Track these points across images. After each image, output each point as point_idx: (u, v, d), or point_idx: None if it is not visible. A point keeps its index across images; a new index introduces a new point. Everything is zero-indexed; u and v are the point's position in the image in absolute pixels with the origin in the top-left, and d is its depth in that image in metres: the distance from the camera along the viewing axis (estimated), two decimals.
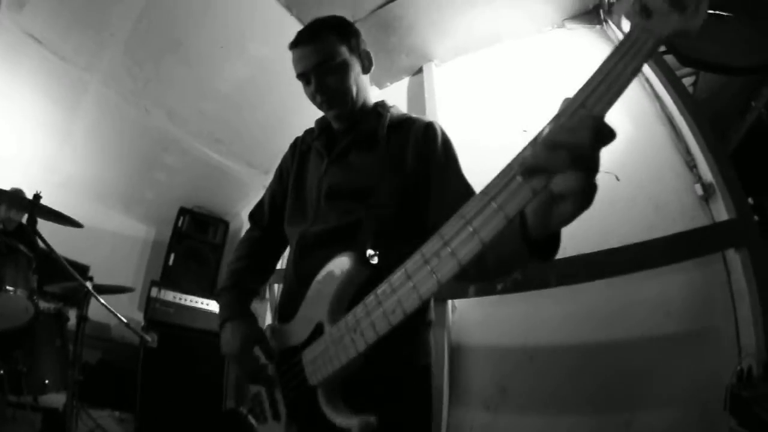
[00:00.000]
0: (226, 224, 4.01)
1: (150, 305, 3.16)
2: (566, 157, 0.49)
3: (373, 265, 0.93)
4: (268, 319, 3.19)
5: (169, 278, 3.47)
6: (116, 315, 2.33)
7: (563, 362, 2.04)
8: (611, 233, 2.11)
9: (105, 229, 3.64)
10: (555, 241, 0.66)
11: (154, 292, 3.18)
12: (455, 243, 0.61)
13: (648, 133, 2.28)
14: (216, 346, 3.57)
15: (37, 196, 2.39)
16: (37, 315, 2.46)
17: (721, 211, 1.95)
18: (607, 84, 0.53)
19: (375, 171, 1.07)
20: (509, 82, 2.71)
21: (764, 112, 2.14)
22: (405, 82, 3.22)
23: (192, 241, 3.74)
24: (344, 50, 1.12)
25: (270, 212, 1.30)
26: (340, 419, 0.85)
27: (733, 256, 1.85)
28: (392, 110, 1.19)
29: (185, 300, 3.27)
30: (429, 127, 1.12)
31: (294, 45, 1.14)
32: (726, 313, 1.82)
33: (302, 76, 1.13)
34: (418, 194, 1.05)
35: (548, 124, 0.54)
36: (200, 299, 3.33)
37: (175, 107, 3.25)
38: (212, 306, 3.35)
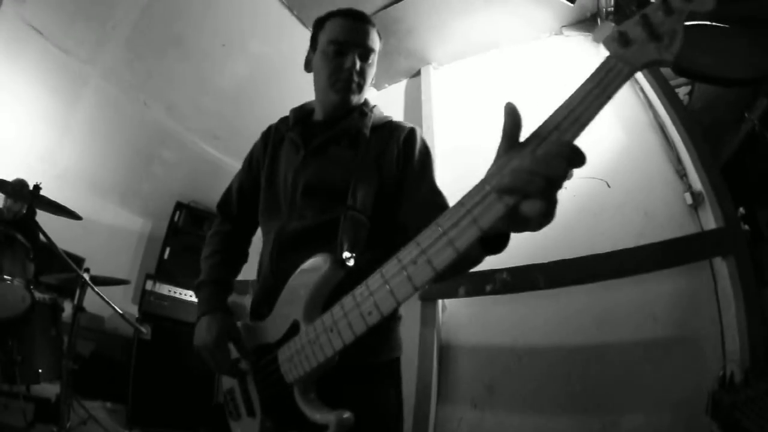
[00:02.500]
0: None
1: (145, 298, 3.18)
2: (541, 183, 0.54)
3: (348, 267, 0.94)
4: None
5: (164, 272, 3.47)
6: (112, 306, 2.33)
7: (551, 363, 2.07)
8: (601, 238, 2.15)
9: (101, 222, 3.63)
10: (506, 239, 0.70)
11: (149, 285, 3.21)
12: (432, 251, 0.65)
13: (640, 141, 2.31)
14: None
15: (37, 187, 2.40)
16: (33, 305, 2.48)
17: (709, 220, 1.98)
18: (582, 108, 0.58)
19: (354, 170, 1.05)
20: (506, 87, 2.75)
21: (758, 124, 2.16)
22: (402, 84, 3.26)
23: (187, 236, 3.74)
24: (378, 52, 1.15)
25: (238, 203, 1.28)
26: (318, 416, 0.86)
27: (720, 264, 1.89)
28: (375, 111, 1.18)
29: (180, 294, 3.30)
30: (411, 133, 1.13)
31: (346, 15, 1.13)
32: (712, 319, 1.85)
33: (342, 44, 1.10)
34: (392, 199, 1.06)
35: (525, 144, 0.59)
36: (192, 292, 3.34)
37: (174, 102, 3.26)
38: None
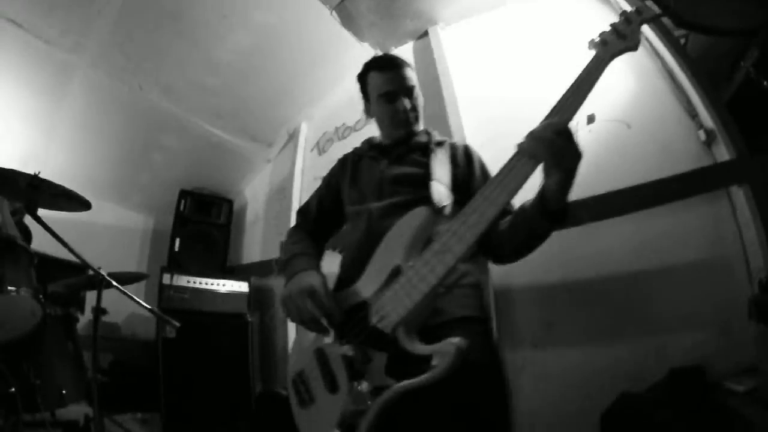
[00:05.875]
0: (230, 203, 3.88)
1: (164, 293, 2.99)
2: (543, 146, 0.90)
3: (444, 214, 1.12)
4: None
5: (178, 264, 3.32)
6: (137, 301, 2.14)
7: (600, 294, 2.22)
8: (625, 174, 2.30)
9: (99, 223, 3.36)
10: (565, 214, 1.00)
11: (166, 278, 3.02)
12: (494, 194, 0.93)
13: (650, 87, 2.48)
14: (236, 327, 3.36)
15: (36, 177, 2.07)
16: (44, 318, 2.16)
17: (722, 154, 2.20)
18: (575, 94, 0.98)
19: (433, 168, 1.29)
20: (515, 43, 2.83)
21: (752, 70, 2.38)
22: (409, 46, 3.26)
23: (196, 224, 3.58)
24: (416, 83, 1.42)
25: (317, 211, 1.49)
26: (431, 348, 0.86)
27: (737, 192, 2.10)
28: (434, 133, 1.46)
29: (199, 283, 3.13)
30: (467, 147, 1.43)
31: (382, 68, 1.40)
32: (734, 241, 2.06)
33: (390, 93, 1.37)
34: (463, 189, 1.27)
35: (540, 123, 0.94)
36: (214, 280, 3.20)
37: (172, 83, 3.04)
38: (228, 286, 3.24)
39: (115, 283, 2.21)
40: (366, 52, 3.16)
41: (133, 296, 2.16)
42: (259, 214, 3.81)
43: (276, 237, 3.38)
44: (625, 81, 2.53)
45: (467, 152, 1.40)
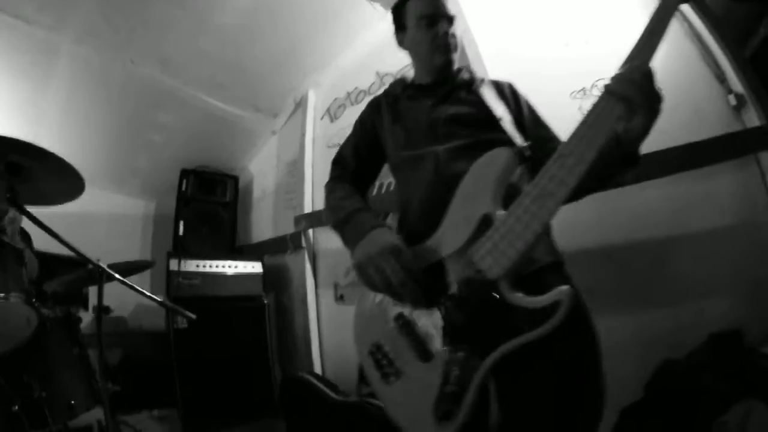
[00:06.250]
0: (235, 179, 3.67)
1: (172, 281, 2.83)
2: (634, 87, 0.89)
3: (525, 157, 1.08)
4: (307, 269, 3.07)
5: (184, 248, 3.14)
6: (148, 295, 1.99)
7: (640, 258, 2.22)
8: (661, 136, 2.28)
9: (96, 214, 3.13)
10: (638, 157, 1.00)
11: (173, 264, 2.86)
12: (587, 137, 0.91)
13: (679, 50, 2.42)
14: (252, 310, 3.24)
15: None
16: (42, 323, 1.98)
17: (752, 119, 2.20)
18: (649, 39, 0.97)
19: (493, 107, 1.22)
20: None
21: None
22: None
23: (200, 204, 3.39)
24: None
25: (355, 159, 1.40)
26: (540, 299, 0.82)
27: (767, 157, 2.10)
28: (474, 70, 1.42)
29: (209, 266, 2.98)
30: (512, 85, 1.38)
31: None
32: (765, 207, 2.10)
33: (431, 17, 1.31)
34: (518, 129, 1.24)
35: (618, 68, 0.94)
36: (224, 262, 3.05)
37: (166, 53, 2.76)
38: (240, 268, 3.10)
39: (117, 276, 2.00)
40: (376, 12, 2.89)
41: (141, 289, 2.00)
42: (267, 190, 3.63)
43: (288, 212, 3.24)
44: None
45: (513, 90, 1.36)
